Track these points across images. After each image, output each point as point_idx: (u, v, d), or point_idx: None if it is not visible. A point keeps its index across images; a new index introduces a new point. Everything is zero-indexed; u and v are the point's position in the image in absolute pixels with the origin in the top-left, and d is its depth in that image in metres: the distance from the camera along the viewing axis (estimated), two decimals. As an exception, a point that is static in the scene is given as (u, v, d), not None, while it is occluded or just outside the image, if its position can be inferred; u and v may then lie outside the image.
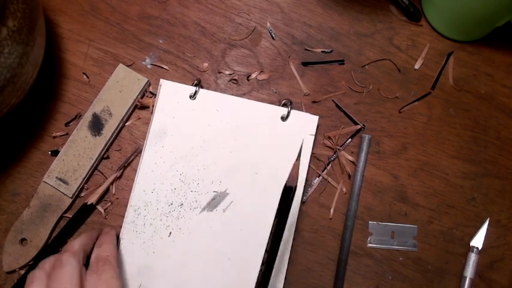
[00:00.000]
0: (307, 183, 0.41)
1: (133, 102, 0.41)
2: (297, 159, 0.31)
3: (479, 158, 0.43)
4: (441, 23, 0.45)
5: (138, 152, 0.41)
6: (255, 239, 0.38)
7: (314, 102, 0.43)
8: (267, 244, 0.32)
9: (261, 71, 0.43)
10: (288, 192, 0.31)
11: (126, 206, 0.39)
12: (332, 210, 0.41)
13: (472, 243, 0.41)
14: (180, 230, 0.38)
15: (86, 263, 0.33)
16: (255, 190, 0.39)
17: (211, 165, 0.40)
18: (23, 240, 0.38)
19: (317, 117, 0.41)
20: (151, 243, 0.38)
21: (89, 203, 0.39)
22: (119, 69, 0.41)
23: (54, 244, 0.38)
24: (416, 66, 0.45)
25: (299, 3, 0.45)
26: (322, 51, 0.44)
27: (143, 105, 0.42)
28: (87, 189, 0.40)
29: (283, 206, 0.31)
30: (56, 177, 0.39)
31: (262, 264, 0.32)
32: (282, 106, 0.41)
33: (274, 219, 0.32)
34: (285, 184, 0.31)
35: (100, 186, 0.40)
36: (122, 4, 0.44)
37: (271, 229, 0.32)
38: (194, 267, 0.38)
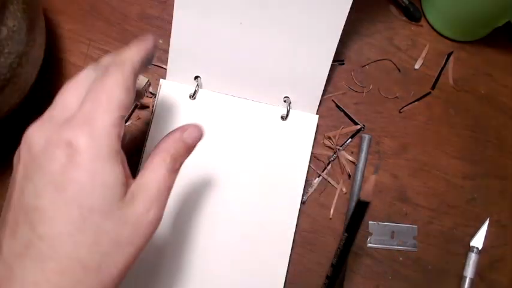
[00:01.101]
0: (307, 183, 0.41)
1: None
2: (375, 173, 0.30)
3: (479, 158, 0.43)
4: (441, 23, 0.45)
5: (138, 152, 0.41)
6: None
7: (314, 102, 0.43)
8: (333, 258, 0.31)
9: (261, 71, 0.43)
10: (361, 207, 0.30)
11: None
12: (332, 210, 0.41)
13: (472, 243, 0.41)
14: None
15: None
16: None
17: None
18: (23, 240, 0.38)
19: (317, 116, 0.41)
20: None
21: (89, 203, 0.38)
22: (119, 69, 0.41)
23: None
24: (416, 66, 0.45)
25: (299, 3, 0.45)
26: (322, 51, 0.44)
27: (143, 105, 0.42)
28: (87, 189, 0.40)
29: (355, 220, 0.30)
30: (56, 177, 0.39)
31: (326, 278, 0.32)
32: (283, 101, 0.41)
33: (344, 233, 0.31)
34: (359, 199, 0.30)
35: (100, 186, 0.39)
36: (122, 4, 0.44)
37: (340, 243, 0.31)
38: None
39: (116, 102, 0.23)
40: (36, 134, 0.23)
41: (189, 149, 0.27)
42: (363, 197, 0.30)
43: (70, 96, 0.24)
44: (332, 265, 0.32)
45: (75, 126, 0.22)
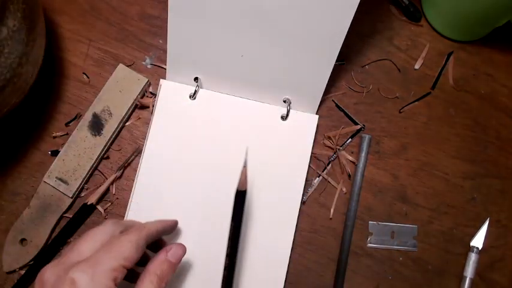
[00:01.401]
0: (307, 183, 0.41)
1: (133, 102, 0.41)
2: (244, 166, 0.33)
3: (479, 158, 0.43)
4: (441, 23, 0.45)
5: (138, 152, 0.41)
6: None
7: (314, 102, 0.43)
8: (227, 249, 0.32)
9: (261, 71, 0.43)
10: (239, 197, 0.33)
11: (126, 206, 0.39)
12: (332, 210, 0.41)
13: (472, 243, 0.41)
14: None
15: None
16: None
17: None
18: (23, 240, 0.38)
19: (317, 116, 0.41)
20: None
21: (89, 203, 0.39)
22: (118, 69, 0.41)
23: (54, 244, 0.38)
24: (416, 66, 0.45)
25: (299, 3, 0.45)
26: (322, 51, 0.44)
27: (143, 105, 0.42)
28: (87, 189, 0.40)
29: (237, 210, 0.33)
30: (56, 177, 0.39)
31: (225, 269, 0.32)
32: (283, 101, 0.41)
33: (231, 223, 0.32)
34: (237, 189, 0.33)
35: (100, 186, 0.40)
36: (122, 4, 0.44)
37: (229, 234, 0.33)
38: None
39: (124, 254, 0.27)
40: (49, 273, 0.27)
41: (174, 266, 0.31)
42: (239, 187, 0.33)
43: (86, 245, 0.28)
44: (227, 255, 0.33)
45: (81, 268, 0.26)
